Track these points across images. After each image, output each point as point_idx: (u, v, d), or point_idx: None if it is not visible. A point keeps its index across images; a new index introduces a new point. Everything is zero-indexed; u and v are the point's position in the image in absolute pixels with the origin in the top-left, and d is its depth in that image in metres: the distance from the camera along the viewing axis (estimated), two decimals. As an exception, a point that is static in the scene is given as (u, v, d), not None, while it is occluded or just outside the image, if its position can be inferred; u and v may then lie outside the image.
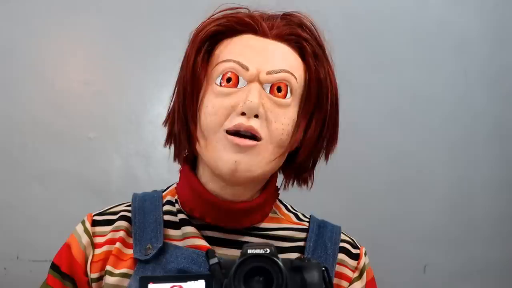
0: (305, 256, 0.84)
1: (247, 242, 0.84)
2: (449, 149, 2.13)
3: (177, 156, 0.88)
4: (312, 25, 0.85)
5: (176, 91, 0.85)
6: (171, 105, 0.86)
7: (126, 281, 0.82)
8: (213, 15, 0.85)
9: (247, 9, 0.86)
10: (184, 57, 0.84)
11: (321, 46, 0.85)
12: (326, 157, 0.89)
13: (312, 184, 0.90)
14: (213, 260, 0.71)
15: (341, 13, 2.06)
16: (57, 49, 1.96)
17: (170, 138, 0.88)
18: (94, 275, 0.84)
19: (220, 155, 0.78)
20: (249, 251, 0.68)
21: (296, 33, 0.83)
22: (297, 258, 0.74)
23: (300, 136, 0.84)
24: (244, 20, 0.82)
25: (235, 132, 0.77)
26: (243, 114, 0.77)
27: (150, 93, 1.96)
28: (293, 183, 0.91)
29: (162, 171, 1.90)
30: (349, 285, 0.87)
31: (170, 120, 0.86)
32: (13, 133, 1.90)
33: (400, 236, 2.04)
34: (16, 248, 1.85)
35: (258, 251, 0.68)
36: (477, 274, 2.09)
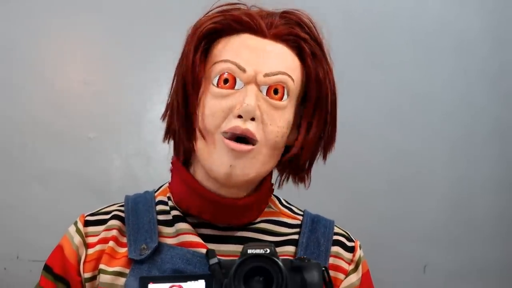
0: (301, 254, 0.84)
1: (242, 237, 0.85)
2: (449, 148, 2.13)
3: (177, 150, 0.88)
4: (311, 23, 0.84)
5: (174, 88, 0.84)
6: (169, 101, 0.86)
7: (119, 280, 0.82)
8: (210, 11, 0.84)
9: (245, 5, 0.85)
10: (182, 54, 0.84)
11: (320, 45, 0.84)
12: (324, 157, 0.89)
13: (310, 182, 0.90)
14: (213, 260, 0.72)
15: (341, 13, 2.05)
16: (57, 49, 1.96)
17: (169, 133, 0.87)
18: (87, 275, 0.84)
19: (216, 158, 0.79)
20: (249, 251, 0.68)
21: (295, 33, 0.82)
22: (297, 258, 0.74)
23: (301, 137, 0.84)
24: (242, 18, 0.82)
25: (232, 135, 0.78)
26: (239, 116, 0.77)
27: (150, 93, 1.96)
28: (287, 180, 0.90)
29: (162, 171, 1.88)
30: (345, 277, 0.88)
31: (169, 115, 0.86)
32: (13, 133, 1.90)
33: (400, 236, 2.04)
34: (16, 248, 1.85)
35: (258, 251, 0.68)
36: (477, 274, 2.09)
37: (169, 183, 0.90)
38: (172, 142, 0.89)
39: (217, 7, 0.85)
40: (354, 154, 1.97)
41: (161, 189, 0.92)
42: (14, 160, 1.89)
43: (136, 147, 1.94)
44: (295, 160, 0.86)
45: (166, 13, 1.99)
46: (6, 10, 1.94)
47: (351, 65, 2.01)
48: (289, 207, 0.93)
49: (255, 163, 0.79)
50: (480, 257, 2.10)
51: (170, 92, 0.85)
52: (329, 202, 1.74)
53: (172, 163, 0.89)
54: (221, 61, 0.80)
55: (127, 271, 0.82)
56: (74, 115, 1.93)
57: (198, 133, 0.81)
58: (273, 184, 0.90)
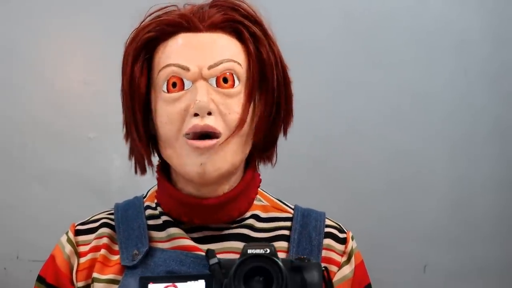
0: (294, 251, 0.84)
1: (235, 234, 0.85)
2: (449, 148, 2.13)
3: (141, 167, 0.87)
4: (246, 4, 0.84)
5: (122, 106, 0.86)
6: (123, 121, 0.87)
7: (113, 287, 0.81)
8: (144, 20, 0.85)
9: (175, 5, 0.85)
10: (121, 69, 0.86)
11: (259, 24, 0.83)
12: (285, 133, 0.88)
13: (276, 160, 0.90)
14: (213, 260, 0.72)
15: (341, 12, 2.05)
16: (57, 49, 1.96)
17: (131, 152, 0.88)
18: (80, 284, 0.84)
19: (185, 161, 0.79)
20: (249, 251, 0.68)
21: (230, 18, 0.82)
22: (297, 258, 0.74)
23: (248, 117, 0.82)
24: (174, 20, 0.82)
25: (194, 135, 0.78)
26: (196, 114, 0.77)
27: (150, 93, 1.95)
28: (259, 163, 0.90)
29: (162, 171, 1.90)
30: (338, 270, 0.87)
31: (126, 133, 0.87)
32: (13, 133, 1.90)
33: (400, 236, 2.03)
34: (16, 248, 1.85)
35: (258, 251, 0.68)
36: (477, 274, 2.08)
37: (156, 191, 0.90)
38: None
39: (149, 15, 0.85)
40: (354, 154, 1.97)
41: (148, 195, 0.92)
42: (14, 160, 1.89)
43: (136, 147, 1.93)
44: (253, 140, 0.85)
45: (166, 13, 1.98)
46: (6, 10, 1.94)
47: (351, 64, 2.02)
48: (280, 200, 0.93)
49: (225, 155, 0.79)
50: (480, 257, 2.09)
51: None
52: (329, 202, 1.74)
53: (156, 171, 0.89)
54: (164, 66, 0.80)
55: (120, 278, 0.82)
56: (74, 115, 1.93)
57: (162, 143, 0.81)
58: (259, 174, 0.90)
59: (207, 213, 0.83)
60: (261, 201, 0.90)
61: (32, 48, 1.94)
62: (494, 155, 2.16)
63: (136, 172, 0.89)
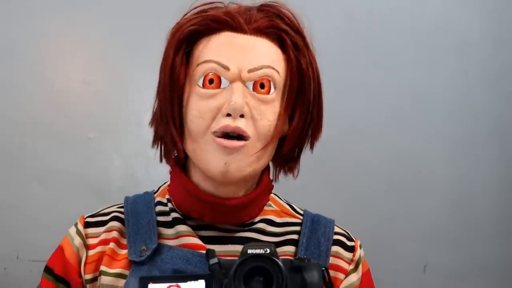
0: (301, 254, 0.84)
1: (243, 238, 0.85)
2: (449, 148, 2.13)
3: (164, 157, 0.88)
4: (291, 14, 0.84)
5: (157, 93, 0.85)
6: (154, 107, 0.86)
7: (120, 281, 0.82)
8: (188, 13, 0.84)
9: (222, 2, 0.85)
10: (162, 60, 0.84)
11: (301, 35, 0.83)
12: (311, 146, 0.88)
13: (298, 173, 0.90)
14: (213, 260, 0.71)
15: (341, 13, 2.05)
16: (57, 49, 1.96)
17: (157, 139, 0.88)
18: (88, 276, 0.84)
19: (210, 157, 0.79)
20: (249, 251, 0.68)
21: (275, 25, 0.82)
22: (297, 258, 0.74)
23: (285, 127, 0.84)
24: (220, 17, 0.81)
25: (222, 134, 0.78)
26: (228, 115, 0.77)
27: (150, 93, 1.94)
28: (279, 172, 0.90)
29: (162, 171, 1.88)
30: (345, 277, 0.87)
31: (155, 122, 0.86)
32: (13, 133, 1.90)
33: (400, 236, 2.04)
34: (16, 248, 1.85)
35: (258, 251, 0.68)
36: (477, 274, 2.09)
37: (169, 185, 0.90)
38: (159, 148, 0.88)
39: (194, 8, 0.84)
40: (355, 154, 1.97)
41: (160, 190, 0.92)
42: (14, 160, 1.89)
43: (136, 147, 1.94)
44: (281, 149, 0.86)
45: (166, 13, 1.98)
46: (6, 10, 1.94)
47: (351, 65, 2.02)
48: (290, 205, 0.93)
49: (249, 159, 0.79)
50: (480, 257, 2.10)
51: (155, 98, 0.86)
52: (330, 202, 1.74)
53: (171, 166, 0.89)
54: (204, 61, 0.80)
55: (127, 272, 0.82)
56: (74, 115, 1.93)
57: (189, 136, 0.81)
58: (272, 180, 0.90)
59: (222, 213, 0.83)
60: (271, 206, 0.90)
61: (32, 48, 1.94)
62: (494, 155, 2.16)
63: (161, 160, 0.89)
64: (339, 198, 1.94)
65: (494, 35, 2.21)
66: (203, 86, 0.80)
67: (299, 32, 0.83)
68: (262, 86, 0.80)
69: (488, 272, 2.10)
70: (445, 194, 2.11)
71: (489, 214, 2.13)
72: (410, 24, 2.15)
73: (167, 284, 0.71)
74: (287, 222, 0.89)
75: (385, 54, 2.11)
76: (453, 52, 2.17)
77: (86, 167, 1.91)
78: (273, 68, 0.80)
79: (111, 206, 0.91)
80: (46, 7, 1.95)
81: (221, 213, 0.83)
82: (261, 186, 0.86)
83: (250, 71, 0.79)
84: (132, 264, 0.82)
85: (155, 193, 0.92)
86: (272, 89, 0.80)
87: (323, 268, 0.74)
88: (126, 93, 1.97)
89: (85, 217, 0.89)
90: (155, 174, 1.92)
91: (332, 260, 0.87)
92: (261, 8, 0.84)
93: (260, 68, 0.79)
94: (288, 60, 0.82)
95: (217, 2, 0.85)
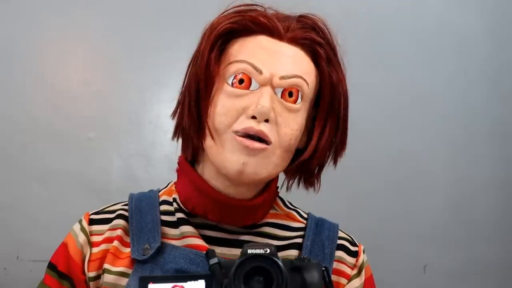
0: (304, 256, 0.84)
1: (247, 241, 0.84)
2: (449, 148, 2.13)
3: (185, 149, 0.88)
4: (326, 28, 0.85)
5: (186, 85, 0.84)
6: (180, 98, 0.86)
7: (123, 280, 0.82)
8: (226, 11, 0.84)
9: (262, 6, 0.85)
10: (197, 52, 0.83)
11: (334, 51, 0.85)
12: (335, 162, 0.89)
13: (319, 187, 0.90)
14: (213, 260, 0.71)
15: (342, 12, 2.05)
16: (57, 49, 1.96)
17: (178, 131, 0.87)
18: (91, 274, 0.84)
19: (228, 155, 0.78)
20: (249, 251, 0.68)
21: (310, 37, 0.83)
22: (297, 258, 0.74)
23: (314, 142, 0.84)
24: (260, 19, 0.82)
25: (244, 134, 0.78)
26: (253, 117, 0.77)
27: (150, 93, 1.96)
28: (298, 185, 0.90)
29: (162, 171, 1.90)
30: (348, 282, 0.88)
31: (179, 113, 0.86)
32: (13, 133, 1.90)
33: (400, 236, 2.04)
34: (16, 248, 1.85)
35: (258, 251, 0.68)
36: (477, 274, 2.09)
37: (175, 183, 0.90)
38: (180, 140, 0.88)
39: (233, 7, 0.85)
40: (355, 154, 1.96)
41: (166, 189, 0.92)
42: (14, 160, 1.89)
43: (136, 147, 1.94)
44: (306, 164, 0.86)
45: (166, 13, 1.99)
46: (6, 10, 1.94)
47: (351, 65, 2.01)
48: (295, 209, 0.93)
49: (267, 163, 0.79)
50: (480, 257, 2.10)
51: (181, 89, 0.85)
52: (329, 202, 1.74)
53: (178, 162, 0.89)
54: (237, 61, 0.80)
55: (130, 271, 0.82)
56: (74, 115, 1.93)
57: (207, 131, 0.81)
58: (278, 186, 0.90)
59: (228, 213, 0.83)
60: (275, 210, 0.91)
61: (32, 48, 1.94)
62: (494, 155, 2.16)
63: (183, 152, 0.88)
64: (339, 198, 1.94)
65: (494, 35, 2.21)
66: (232, 85, 0.80)
67: (332, 47, 0.84)
68: (290, 94, 0.80)
69: (488, 272, 2.10)
70: (445, 194, 2.11)
71: (489, 214, 2.13)
72: (410, 23, 2.15)
73: (167, 284, 0.71)
74: (292, 227, 0.89)
75: (384, 54, 2.11)
76: (453, 52, 2.17)
77: (86, 167, 1.91)
78: (304, 79, 0.81)
79: (116, 204, 0.90)
80: (46, 7, 1.95)
81: (227, 212, 0.83)
82: (270, 190, 0.86)
83: (281, 78, 0.79)
84: (134, 262, 0.82)
85: (160, 191, 0.91)
86: (299, 100, 0.81)
87: (323, 268, 0.74)
88: (126, 93, 1.97)
89: (89, 214, 0.89)
90: (155, 174, 1.92)
91: (335, 265, 0.87)
92: (299, 19, 0.84)
93: (292, 77, 0.80)
94: (321, 72, 0.83)
95: (256, 5, 0.85)
